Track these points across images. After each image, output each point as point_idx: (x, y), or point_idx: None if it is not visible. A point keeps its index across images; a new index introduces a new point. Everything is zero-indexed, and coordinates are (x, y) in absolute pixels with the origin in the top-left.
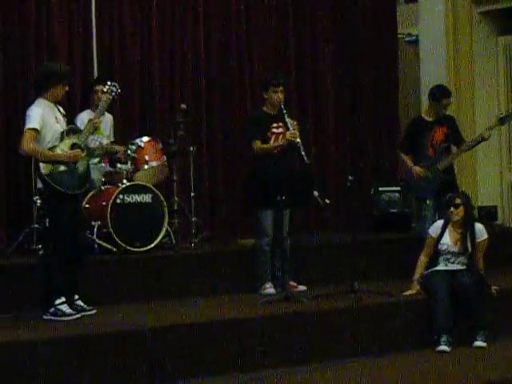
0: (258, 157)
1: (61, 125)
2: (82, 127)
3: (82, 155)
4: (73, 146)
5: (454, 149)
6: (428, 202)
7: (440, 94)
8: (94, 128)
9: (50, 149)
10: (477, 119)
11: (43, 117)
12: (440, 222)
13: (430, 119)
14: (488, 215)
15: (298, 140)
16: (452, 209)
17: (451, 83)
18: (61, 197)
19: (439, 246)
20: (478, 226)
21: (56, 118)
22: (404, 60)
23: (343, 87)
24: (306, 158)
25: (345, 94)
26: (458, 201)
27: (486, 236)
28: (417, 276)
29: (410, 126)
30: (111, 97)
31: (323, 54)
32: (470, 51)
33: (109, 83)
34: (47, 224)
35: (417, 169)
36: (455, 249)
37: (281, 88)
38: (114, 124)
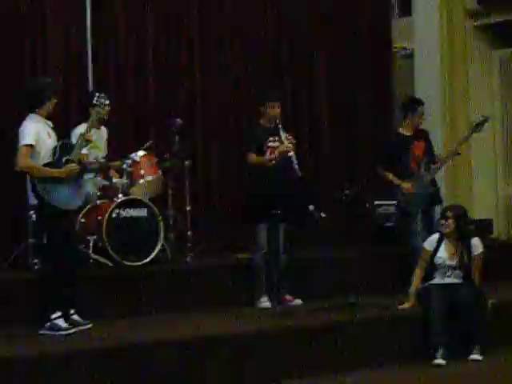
0: (253, 170)
1: (52, 139)
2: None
3: (77, 169)
4: (66, 162)
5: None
6: (419, 216)
7: (416, 103)
8: (86, 141)
9: (45, 165)
10: None
11: (38, 132)
12: (436, 236)
13: (408, 134)
14: (483, 228)
15: (291, 153)
16: (442, 221)
17: (446, 96)
18: (55, 212)
19: (435, 260)
20: (474, 240)
21: (48, 133)
22: (399, 74)
23: (338, 101)
24: (298, 172)
25: (340, 108)
26: (448, 213)
27: (481, 250)
28: (413, 289)
29: (389, 143)
30: (100, 109)
31: (318, 68)
32: (464, 65)
33: (97, 94)
34: (44, 240)
35: (406, 185)
36: (451, 262)
37: (277, 103)
38: (110, 138)
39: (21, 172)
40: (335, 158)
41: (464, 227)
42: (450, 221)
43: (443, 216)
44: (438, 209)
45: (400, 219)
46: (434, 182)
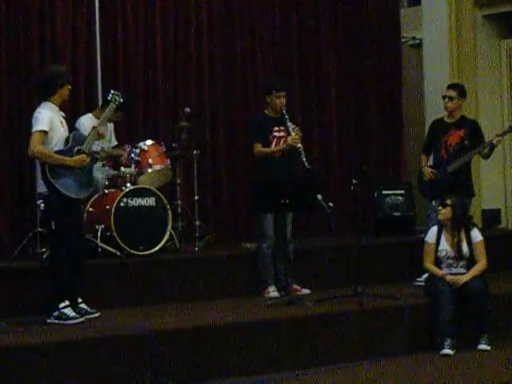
0: (258, 160)
1: (64, 129)
2: (82, 131)
3: (87, 160)
4: (78, 152)
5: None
6: (434, 203)
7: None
8: (99, 135)
9: (56, 153)
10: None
11: (51, 119)
12: (435, 228)
13: (449, 121)
14: (492, 218)
15: (300, 145)
16: (440, 207)
17: None
18: (65, 201)
19: (439, 254)
20: (473, 231)
21: (61, 122)
22: (407, 63)
23: (347, 91)
24: (307, 164)
25: (349, 97)
26: (447, 201)
27: (479, 238)
28: (441, 272)
29: (429, 127)
30: (115, 106)
31: (327, 58)
32: (473, 54)
33: (112, 92)
34: (53, 227)
35: (425, 169)
36: (453, 253)
37: (283, 93)
38: (118, 127)
39: (32, 157)
40: (343, 147)
41: (460, 216)
42: (448, 208)
43: (442, 203)
44: (468, 202)
45: (414, 206)
46: (461, 172)
